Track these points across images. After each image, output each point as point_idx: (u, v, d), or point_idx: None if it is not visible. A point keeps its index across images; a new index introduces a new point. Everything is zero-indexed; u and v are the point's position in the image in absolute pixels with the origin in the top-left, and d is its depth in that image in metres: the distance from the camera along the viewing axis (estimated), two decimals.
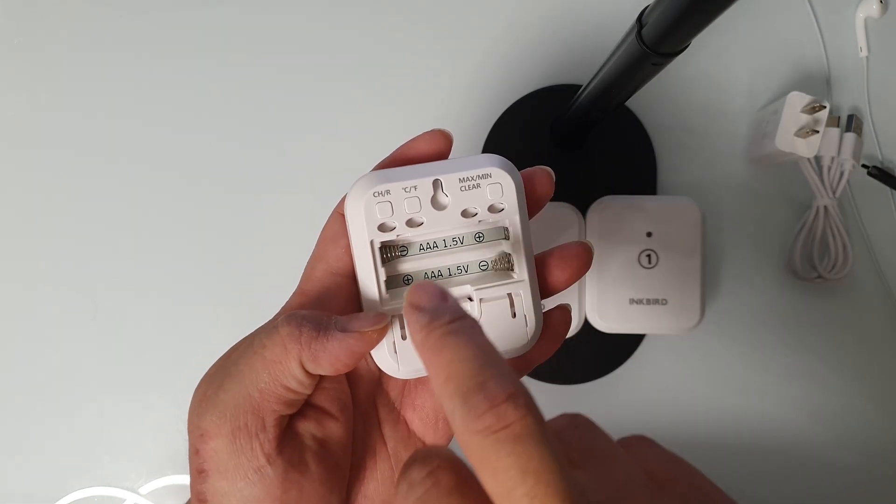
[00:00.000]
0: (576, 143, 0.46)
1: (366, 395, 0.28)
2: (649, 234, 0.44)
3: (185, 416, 0.24)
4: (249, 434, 0.23)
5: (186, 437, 0.25)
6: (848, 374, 0.47)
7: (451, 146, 0.27)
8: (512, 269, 0.27)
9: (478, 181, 0.26)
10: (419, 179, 0.25)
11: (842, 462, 0.47)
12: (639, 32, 0.31)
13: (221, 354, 0.26)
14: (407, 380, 0.28)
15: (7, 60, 0.49)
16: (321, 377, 0.25)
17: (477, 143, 0.47)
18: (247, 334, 0.26)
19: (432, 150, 0.27)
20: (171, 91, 0.49)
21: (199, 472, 0.23)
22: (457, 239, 0.27)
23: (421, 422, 0.28)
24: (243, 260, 0.48)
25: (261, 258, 0.48)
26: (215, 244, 0.48)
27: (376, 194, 0.25)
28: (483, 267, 0.27)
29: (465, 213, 0.26)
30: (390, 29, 0.49)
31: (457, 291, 0.26)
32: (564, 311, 0.28)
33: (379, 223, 0.26)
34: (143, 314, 0.48)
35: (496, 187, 0.26)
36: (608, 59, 0.36)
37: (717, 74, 0.49)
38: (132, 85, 0.49)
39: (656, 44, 0.31)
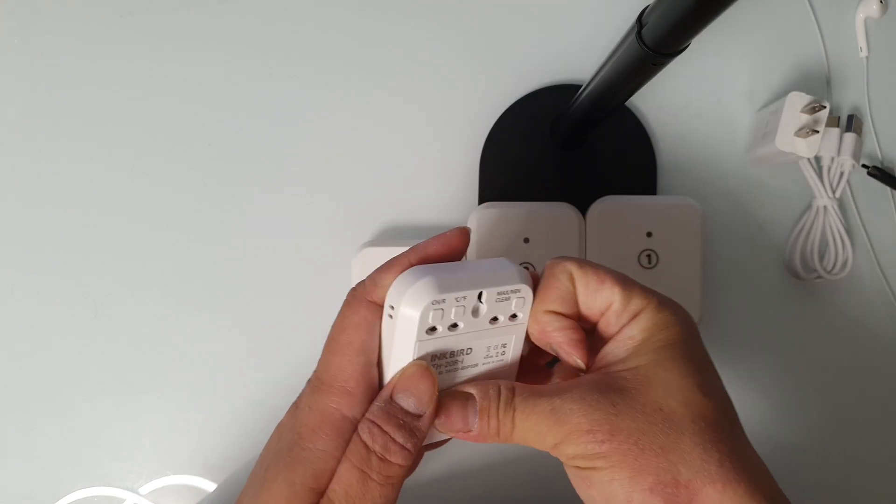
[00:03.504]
0: (576, 142, 0.46)
1: None
2: (649, 234, 0.44)
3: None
4: None
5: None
6: (847, 373, 0.47)
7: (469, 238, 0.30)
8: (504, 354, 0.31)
9: (510, 295, 0.29)
10: (468, 291, 0.28)
11: (840, 460, 0.47)
12: (639, 32, 0.31)
13: (276, 453, 0.28)
14: None
15: (8, 60, 0.49)
16: None
17: (477, 143, 0.47)
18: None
19: (462, 245, 0.30)
20: (173, 91, 0.49)
21: None
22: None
23: None
24: (245, 261, 0.48)
25: (264, 259, 0.48)
26: (218, 245, 0.48)
27: (434, 303, 0.27)
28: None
29: (492, 321, 0.29)
30: (391, 30, 0.49)
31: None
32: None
33: (429, 327, 0.27)
34: (144, 314, 0.48)
35: (521, 301, 0.29)
36: (608, 59, 0.36)
37: (717, 74, 0.49)
38: (133, 84, 0.49)
39: (656, 44, 0.31)
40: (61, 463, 0.47)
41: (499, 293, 0.28)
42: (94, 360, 0.48)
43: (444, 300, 0.27)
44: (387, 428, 0.26)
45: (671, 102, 0.48)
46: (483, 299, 0.28)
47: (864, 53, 0.48)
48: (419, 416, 0.26)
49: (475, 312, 0.28)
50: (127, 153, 0.49)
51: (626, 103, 0.46)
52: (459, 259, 0.31)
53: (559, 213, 0.44)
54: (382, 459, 0.25)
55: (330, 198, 0.48)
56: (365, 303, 0.27)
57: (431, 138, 0.48)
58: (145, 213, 0.48)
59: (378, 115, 0.48)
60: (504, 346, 0.30)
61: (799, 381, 0.47)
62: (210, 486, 0.47)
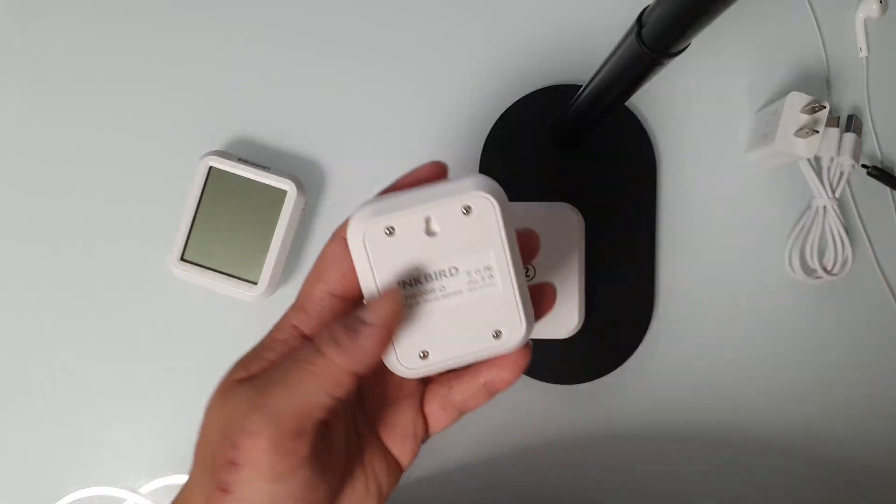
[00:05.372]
0: (575, 143, 0.47)
1: (349, 409, 0.30)
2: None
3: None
4: (291, 438, 0.25)
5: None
6: (847, 372, 0.47)
7: (447, 172, 0.29)
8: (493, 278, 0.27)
9: (469, 207, 0.26)
10: (411, 209, 0.26)
11: (842, 458, 0.47)
12: (638, 33, 0.31)
13: (249, 350, 0.29)
14: (380, 398, 0.30)
15: (8, 61, 0.49)
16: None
17: (477, 143, 0.47)
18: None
19: (433, 176, 0.29)
20: (173, 92, 0.49)
21: (229, 463, 0.25)
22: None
23: (391, 438, 0.30)
24: None
25: None
26: None
27: (371, 227, 0.26)
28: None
29: (464, 241, 0.27)
30: (391, 29, 0.49)
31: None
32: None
33: (382, 253, 0.26)
34: (145, 312, 0.48)
35: (485, 213, 0.27)
36: (608, 59, 0.36)
37: (716, 74, 0.49)
38: (135, 84, 0.49)
39: (656, 44, 0.31)
40: (61, 463, 0.47)
41: (451, 208, 0.26)
42: (94, 359, 0.48)
43: (384, 224, 0.26)
44: (332, 327, 0.26)
45: (671, 102, 0.48)
46: (433, 216, 0.26)
47: (863, 53, 0.48)
48: (369, 323, 0.26)
49: (430, 233, 0.26)
50: (129, 152, 0.49)
51: (626, 103, 0.46)
52: None
53: (559, 212, 0.44)
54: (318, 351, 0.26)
55: (330, 197, 0.48)
56: (336, 238, 0.28)
57: (431, 138, 0.48)
58: (149, 212, 0.48)
59: (378, 119, 0.49)
60: (489, 268, 0.27)
61: (799, 380, 0.47)
62: None
